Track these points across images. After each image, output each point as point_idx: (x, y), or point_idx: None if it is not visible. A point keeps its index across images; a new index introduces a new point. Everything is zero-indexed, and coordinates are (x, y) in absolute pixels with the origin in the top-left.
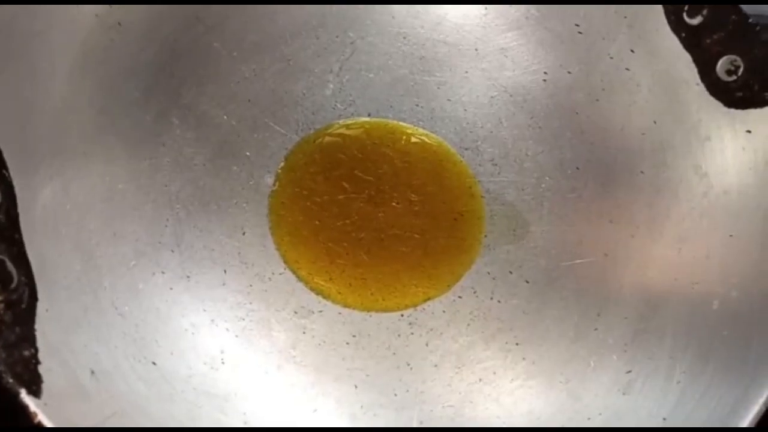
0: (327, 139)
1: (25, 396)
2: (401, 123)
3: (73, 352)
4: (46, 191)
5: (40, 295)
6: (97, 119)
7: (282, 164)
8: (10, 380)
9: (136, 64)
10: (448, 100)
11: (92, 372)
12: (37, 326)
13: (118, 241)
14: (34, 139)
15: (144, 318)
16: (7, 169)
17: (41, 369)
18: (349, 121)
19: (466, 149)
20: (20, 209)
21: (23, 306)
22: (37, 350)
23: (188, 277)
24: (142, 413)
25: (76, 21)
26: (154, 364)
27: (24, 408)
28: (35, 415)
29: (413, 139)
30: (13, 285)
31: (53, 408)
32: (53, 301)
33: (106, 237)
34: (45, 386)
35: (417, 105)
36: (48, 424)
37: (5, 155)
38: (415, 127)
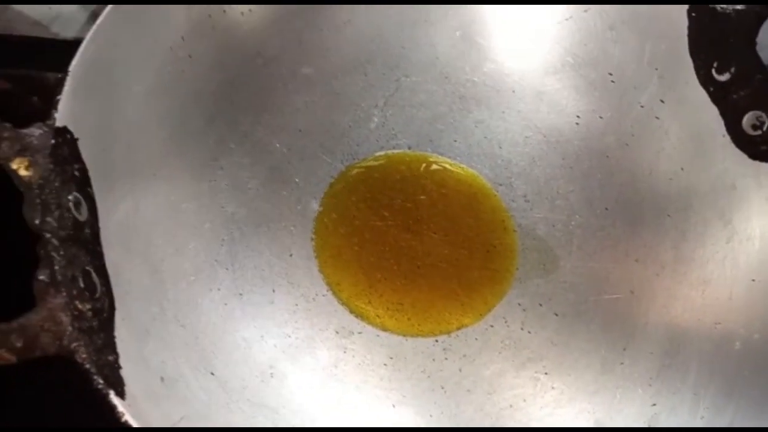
0: (369, 169)
1: (113, 397)
2: (440, 157)
3: (144, 359)
4: (121, 209)
5: (117, 304)
6: (165, 143)
7: (327, 191)
8: (101, 382)
9: (201, 93)
10: (485, 137)
11: (162, 379)
12: (116, 333)
13: (179, 258)
14: (112, 160)
15: (203, 330)
16: (91, 187)
17: (122, 373)
18: (391, 153)
19: (501, 185)
20: (100, 224)
21: (105, 314)
22: (118, 356)
23: (241, 294)
24: (205, 420)
25: (153, 52)
26: (212, 374)
27: (112, 408)
28: (122, 414)
29: (451, 173)
30: (97, 294)
31: (135, 410)
32: (127, 310)
33: (169, 253)
34: (127, 389)
35: (455, 141)
36: (134, 424)
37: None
38: (453, 162)
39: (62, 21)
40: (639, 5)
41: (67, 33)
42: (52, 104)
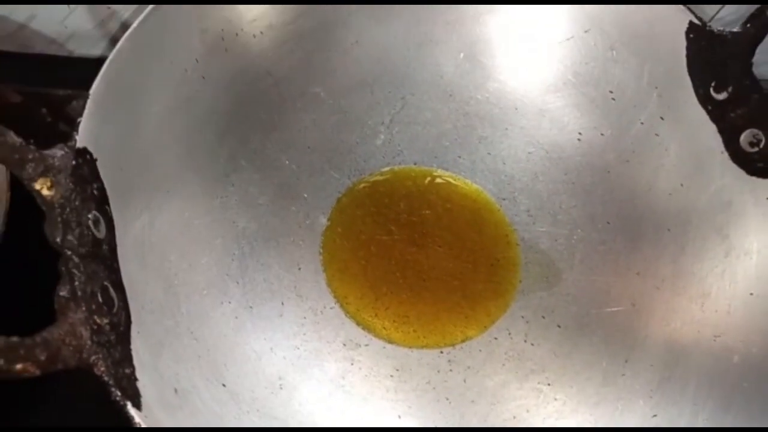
0: (376, 184)
1: (131, 408)
2: (445, 172)
3: (159, 371)
4: (137, 224)
5: (132, 318)
6: (179, 160)
7: (334, 206)
8: (119, 394)
9: (214, 112)
10: (489, 153)
11: (175, 390)
12: (132, 346)
13: (192, 272)
14: (128, 178)
15: (214, 343)
16: (109, 205)
17: (138, 385)
18: (397, 169)
19: (504, 200)
20: (117, 241)
21: (122, 328)
22: (134, 368)
23: (251, 307)
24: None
25: (169, 74)
26: (223, 386)
27: (129, 420)
28: (139, 425)
29: (455, 188)
30: (115, 309)
31: (151, 420)
32: (142, 324)
33: (182, 267)
34: (143, 400)
35: (459, 156)
36: None
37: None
38: (458, 177)
39: (77, 39)
40: (638, 27)
41: (82, 50)
42: (61, 116)
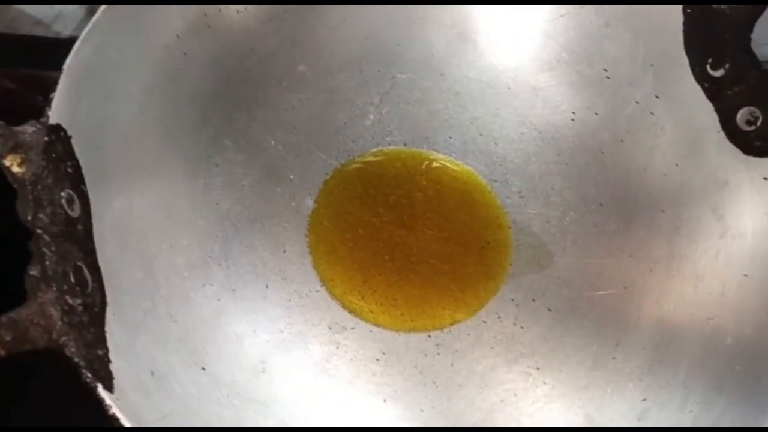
0: (365, 165)
1: (101, 390)
2: (435, 153)
3: (135, 353)
4: (115, 205)
5: (108, 299)
6: (160, 140)
7: (322, 187)
8: (90, 375)
9: (197, 90)
10: (480, 134)
11: (152, 373)
12: (106, 328)
13: (173, 253)
14: (106, 157)
15: (194, 325)
16: (84, 184)
17: (111, 367)
18: (386, 150)
19: (496, 181)
20: (93, 220)
21: (96, 309)
22: (108, 350)
23: (234, 290)
24: (194, 414)
25: (148, 51)
26: (203, 369)
27: (100, 402)
28: (110, 407)
29: (445, 170)
30: (89, 290)
31: (123, 403)
32: (118, 305)
33: (162, 249)
34: (115, 383)
35: (450, 137)
36: (120, 416)
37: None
38: (448, 158)
39: (64, 20)
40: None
41: (69, 32)
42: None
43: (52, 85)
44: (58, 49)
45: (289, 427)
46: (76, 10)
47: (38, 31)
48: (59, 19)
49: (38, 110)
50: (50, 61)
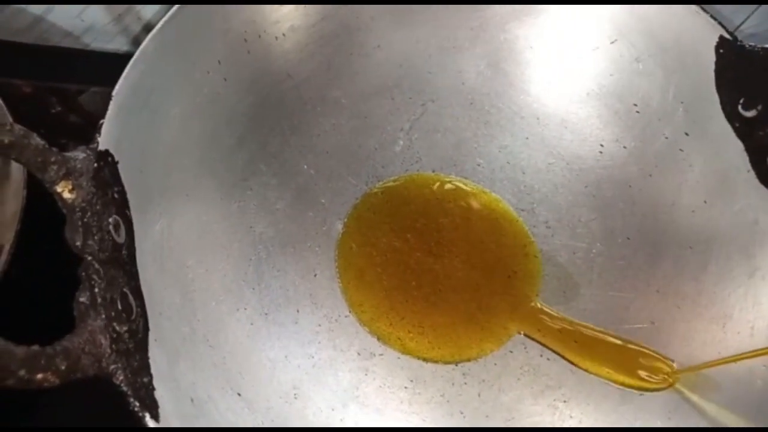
0: (393, 190)
1: (149, 419)
2: (463, 181)
3: (175, 380)
4: (156, 229)
5: (150, 325)
6: (198, 164)
7: (351, 212)
8: (137, 404)
9: (234, 114)
10: (508, 162)
11: (192, 400)
12: (149, 354)
13: (209, 277)
14: (148, 182)
15: (230, 350)
16: (129, 209)
17: (156, 395)
18: (415, 176)
19: (523, 210)
20: (136, 246)
21: (140, 336)
22: (152, 377)
23: (266, 314)
24: None
25: (191, 76)
26: (239, 395)
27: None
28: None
29: (474, 197)
30: (133, 316)
31: None
32: (159, 331)
33: (199, 273)
34: (160, 411)
35: (479, 165)
36: None
37: (128, 197)
38: (476, 186)
39: (93, 33)
40: (666, 40)
41: (97, 44)
42: (72, 108)
43: (73, 91)
44: (87, 60)
45: (289, 428)
46: (106, 25)
47: (67, 43)
48: (89, 32)
49: (58, 114)
50: (78, 71)
